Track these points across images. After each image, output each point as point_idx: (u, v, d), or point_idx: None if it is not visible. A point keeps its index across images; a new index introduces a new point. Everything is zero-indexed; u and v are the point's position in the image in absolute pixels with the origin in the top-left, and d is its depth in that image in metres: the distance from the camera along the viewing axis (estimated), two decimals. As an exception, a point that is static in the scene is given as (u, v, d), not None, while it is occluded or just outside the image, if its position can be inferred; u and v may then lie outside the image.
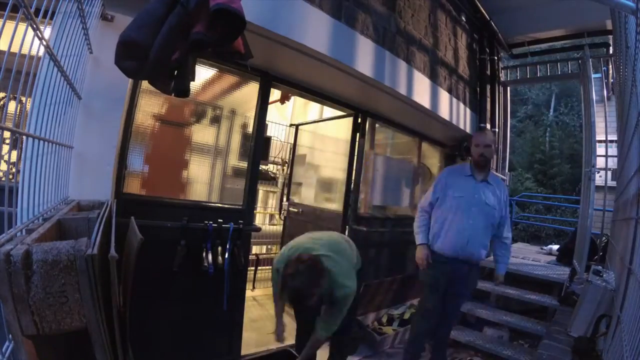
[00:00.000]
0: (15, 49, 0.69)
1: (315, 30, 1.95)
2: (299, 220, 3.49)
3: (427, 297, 2.29)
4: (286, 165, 4.26)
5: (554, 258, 3.94)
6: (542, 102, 13.57)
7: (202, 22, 1.01)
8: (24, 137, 0.85)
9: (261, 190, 4.51)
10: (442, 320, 2.29)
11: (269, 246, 4.30)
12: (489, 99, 3.94)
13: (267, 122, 3.43)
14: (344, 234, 2.93)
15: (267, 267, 3.89)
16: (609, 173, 4.73)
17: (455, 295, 2.25)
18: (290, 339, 2.66)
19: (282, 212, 3.86)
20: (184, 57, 1.11)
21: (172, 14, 1.00)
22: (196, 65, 1.29)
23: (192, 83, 1.25)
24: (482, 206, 2.17)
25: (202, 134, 2.15)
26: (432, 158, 4.18)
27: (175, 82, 1.23)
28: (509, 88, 4.44)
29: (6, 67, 0.65)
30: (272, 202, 4.66)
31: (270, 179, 4.59)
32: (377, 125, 3.28)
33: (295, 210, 3.55)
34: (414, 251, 3.60)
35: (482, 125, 3.75)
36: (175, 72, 1.18)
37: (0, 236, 0.68)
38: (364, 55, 2.25)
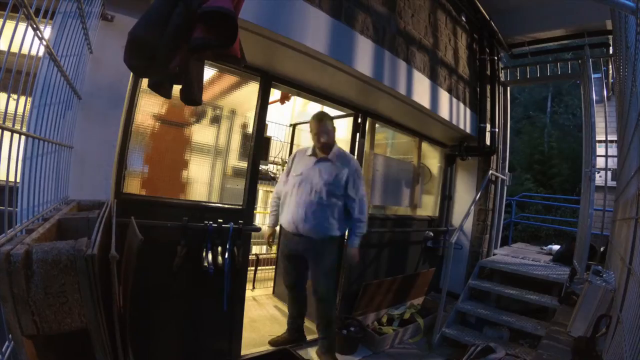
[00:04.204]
0: (15, 49, 0.68)
1: (315, 30, 1.95)
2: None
3: (284, 268, 2.51)
4: (286, 165, 4.25)
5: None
6: (538, 103, 13.57)
7: (200, 25, 1.01)
8: (24, 137, 0.85)
9: (261, 190, 4.51)
10: (313, 295, 2.35)
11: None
12: (489, 99, 3.94)
13: (267, 122, 3.44)
14: (344, 234, 2.93)
15: (267, 267, 3.90)
16: (609, 173, 4.73)
17: (312, 269, 2.34)
18: (290, 339, 2.66)
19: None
20: (185, 63, 1.11)
21: (176, 13, 1.00)
22: (203, 73, 1.30)
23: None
24: (316, 183, 2.23)
25: (202, 134, 2.15)
26: (432, 158, 4.18)
27: (183, 92, 1.23)
28: (509, 88, 4.44)
29: (6, 67, 0.65)
30: (272, 202, 4.65)
31: (270, 179, 4.59)
32: (377, 125, 3.28)
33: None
34: (414, 251, 3.60)
35: (483, 125, 3.75)
36: (180, 79, 1.18)
37: (0, 236, 0.68)
38: (364, 55, 2.25)
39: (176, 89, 1.28)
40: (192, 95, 1.23)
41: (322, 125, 2.28)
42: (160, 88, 1.23)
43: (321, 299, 2.30)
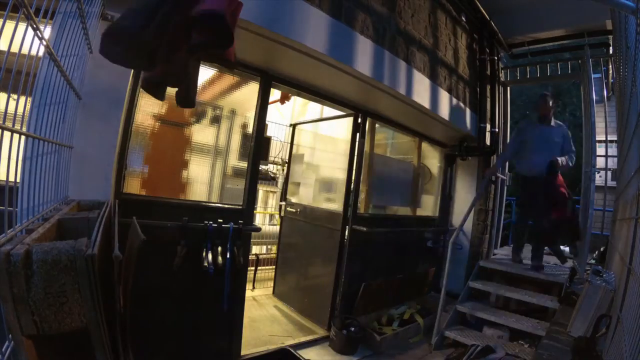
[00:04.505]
0: (15, 49, 0.68)
1: (315, 30, 1.95)
2: (296, 220, 3.49)
3: None
4: (286, 165, 4.26)
5: (554, 258, 3.94)
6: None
7: (196, 29, 1.01)
8: (24, 137, 0.85)
9: (261, 190, 4.51)
10: None
11: (269, 246, 4.30)
12: (489, 99, 3.94)
13: (267, 122, 3.44)
14: (344, 234, 2.94)
15: (267, 267, 3.90)
16: (609, 173, 4.72)
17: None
18: (290, 339, 2.66)
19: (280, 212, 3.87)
20: (183, 66, 1.11)
21: (165, 2, 0.99)
22: (198, 75, 1.30)
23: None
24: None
25: (202, 134, 2.15)
26: (432, 158, 4.18)
27: (178, 94, 1.23)
28: (509, 88, 4.44)
29: (6, 67, 0.65)
30: (272, 202, 4.66)
31: (270, 179, 4.59)
32: (377, 125, 3.28)
33: (293, 210, 3.55)
34: (414, 251, 3.59)
35: (483, 125, 3.75)
36: (175, 81, 1.18)
37: (0, 236, 0.68)
38: (364, 55, 2.25)
39: (173, 91, 1.28)
40: (187, 96, 1.23)
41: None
42: (154, 90, 1.22)
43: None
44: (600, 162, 4.13)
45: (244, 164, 2.28)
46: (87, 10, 1.22)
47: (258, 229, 2.29)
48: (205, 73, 2.09)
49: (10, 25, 0.67)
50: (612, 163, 4.48)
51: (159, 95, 1.24)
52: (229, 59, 1.20)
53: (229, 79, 2.24)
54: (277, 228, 3.93)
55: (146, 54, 1.00)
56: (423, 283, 3.75)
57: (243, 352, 2.28)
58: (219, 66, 2.10)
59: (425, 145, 3.95)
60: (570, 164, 3.17)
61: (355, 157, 2.99)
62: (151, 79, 1.17)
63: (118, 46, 0.97)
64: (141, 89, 1.23)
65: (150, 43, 0.97)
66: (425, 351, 2.88)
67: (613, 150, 4.36)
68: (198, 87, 2.11)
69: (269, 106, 2.41)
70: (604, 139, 4.25)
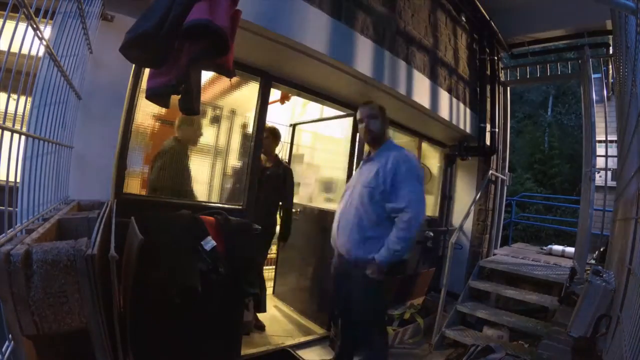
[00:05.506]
0: (15, 49, 0.68)
1: (315, 31, 1.95)
2: (296, 220, 3.48)
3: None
4: (286, 165, 4.25)
5: (554, 258, 3.95)
6: (539, 102, 13.55)
7: (192, 41, 1.03)
8: (24, 137, 0.85)
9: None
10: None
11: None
12: (489, 99, 3.94)
13: (267, 122, 3.43)
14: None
15: (267, 267, 3.89)
16: (609, 173, 4.72)
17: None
18: (290, 339, 2.66)
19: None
20: (185, 72, 1.12)
21: (176, 3, 1.00)
22: (200, 84, 1.31)
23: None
24: (354, 186, 1.83)
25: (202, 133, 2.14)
26: (432, 158, 4.18)
27: (181, 101, 1.24)
28: (509, 88, 4.44)
29: (6, 67, 0.65)
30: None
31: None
32: (377, 125, 3.28)
33: (293, 210, 3.54)
34: (414, 251, 3.59)
35: (483, 125, 3.75)
36: (179, 88, 1.19)
37: (0, 236, 0.68)
38: (364, 55, 2.25)
39: (175, 97, 1.29)
40: (191, 104, 1.24)
41: (362, 112, 1.87)
42: (158, 99, 1.23)
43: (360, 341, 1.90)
44: (600, 162, 4.13)
45: (244, 164, 2.28)
46: (87, 10, 1.22)
47: (258, 229, 2.28)
48: (206, 73, 2.09)
49: (10, 25, 0.67)
50: (612, 163, 4.48)
51: (163, 103, 1.24)
52: (228, 68, 1.21)
53: (228, 79, 2.24)
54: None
55: (160, 54, 1.02)
56: (423, 283, 3.75)
57: (243, 352, 2.28)
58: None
59: (425, 145, 3.95)
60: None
61: (356, 157, 2.99)
62: (155, 90, 1.18)
63: (136, 46, 0.99)
64: (145, 98, 1.24)
65: (164, 42, 0.99)
66: (425, 351, 2.88)
67: (613, 150, 4.36)
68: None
69: (269, 106, 2.41)
70: (604, 139, 4.25)
